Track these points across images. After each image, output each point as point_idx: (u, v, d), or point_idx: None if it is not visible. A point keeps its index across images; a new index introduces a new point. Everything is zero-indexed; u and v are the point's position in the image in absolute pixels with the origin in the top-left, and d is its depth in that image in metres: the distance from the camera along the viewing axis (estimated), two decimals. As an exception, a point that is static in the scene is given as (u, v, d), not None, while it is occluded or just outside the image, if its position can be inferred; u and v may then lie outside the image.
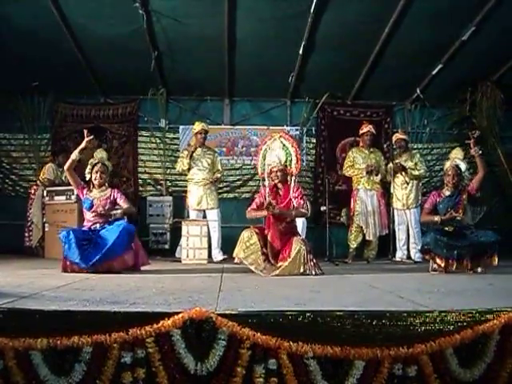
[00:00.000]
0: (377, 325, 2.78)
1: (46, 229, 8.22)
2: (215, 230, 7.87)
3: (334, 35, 7.78)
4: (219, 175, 8.08)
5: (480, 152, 6.07)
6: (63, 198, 8.14)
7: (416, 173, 7.86)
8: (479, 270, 5.71)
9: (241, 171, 9.77)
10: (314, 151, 9.96)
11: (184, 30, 7.61)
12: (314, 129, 9.94)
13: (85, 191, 5.87)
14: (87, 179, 5.98)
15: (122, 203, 5.94)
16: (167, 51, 8.26)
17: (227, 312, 2.78)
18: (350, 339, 2.74)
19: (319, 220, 9.01)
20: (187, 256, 7.40)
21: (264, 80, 8.88)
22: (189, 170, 7.91)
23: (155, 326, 2.67)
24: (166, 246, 8.99)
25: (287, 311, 2.81)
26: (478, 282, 4.89)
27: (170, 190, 9.63)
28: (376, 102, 9.89)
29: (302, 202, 5.83)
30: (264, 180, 6.01)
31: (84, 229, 5.80)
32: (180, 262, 7.41)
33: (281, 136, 6.02)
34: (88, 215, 5.85)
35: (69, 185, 8.32)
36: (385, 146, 8.85)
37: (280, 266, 5.50)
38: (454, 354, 2.80)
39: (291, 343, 2.68)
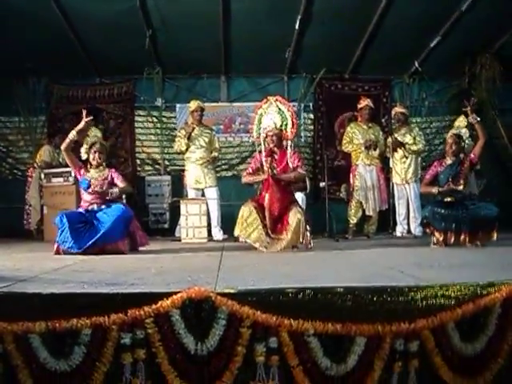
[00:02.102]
0: (378, 300, 2.76)
1: (45, 211, 8.17)
2: (214, 208, 7.83)
3: (330, 9, 7.67)
4: (217, 154, 8.04)
5: (478, 119, 6.01)
6: (61, 179, 8.09)
7: (414, 147, 7.80)
8: (478, 243, 5.69)
9: (239, 148, 9.71)
10: (312, 127, 9.88)
11: (178, 7, 7.50)
12: (311, 104, 9.85)
13: (82, 171, 5.81)
14: (83, 159, 5.92)
15: (119, 183, 5.90)
16: (161, 29, 8.14)
17: (227, 291, 2.76)
18: (351, 315, 2.72)
19: (318, 196, 8.98)
20: (187, 235, 7.37)
21: (260, 56, 8.77)
22: (187, 149, 7.85)
23: (154, 306, 2.64)
24: (166, 226, 8.97)
25: (287, 289, 2.79)
26: (479, 255, 4.88)
27: (168, 169, 9.58)
28: (374, 76, 9.76)
29: (300, 164, 5.87)
30: (260, 145, 5.98)
31: (80, 210, 5.76)
32: (180, 241, 7.38)
33: (276, 100, 5.98)
34: (85, 195, 5.81)
35: (66, 166, 8.31)
36: (383, 120, 8.78)
37: (281, 239, 5.50)
38: (455, 328, 2.79)
39: (292, 321, 2.67)
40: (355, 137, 7.94)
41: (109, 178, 5.87)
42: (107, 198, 5.78)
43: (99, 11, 7.46)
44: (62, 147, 5.76)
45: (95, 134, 6.06)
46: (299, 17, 7.74)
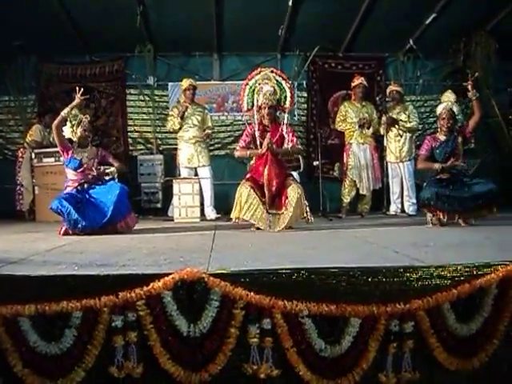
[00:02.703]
0: (372, 281, 2.74)
1: (37, 191, 8.09)
2: (207, 187, 7.78)
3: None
4: (210, 131, 7.96)
5: (477, 95, 5.96)
6: (52, 159, 7.99)
7: (408, 125, 7.76)
8: (473, 221, 5.68)
9: (232, 127, 9.61)
10: (305, 105, 9.78)
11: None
12: (305, 82, 9.74)
13: (70, 152, 5.70)
14: (67, 137, 5.76)
15: (113, 161, 5.87)
16: (153, 5, 8.00)
17: (219, 272, 2.73)
18: (346, 296, 2.71)
19: (312, 175, 8.94)
20: (179, 215, 7.34)
21: (253, 33, 8.64)
22: (180, 128, 7.77)
23: (146, 288, 2.62)
24: (159, 205, 8.91)
25: (281, 269, 2.76)
26: (475, 235, 4.86)
27: (160, 148, 9.49)
28: (368, 54, 9.65)
29: (295, 139, 5.84)
30: (251, 117, 5.93)
31: (70, 191, 5.65)
32: (172, 220, 7.35)
33: (272, 71, 5.90)
34: (73, 175, 5.70)
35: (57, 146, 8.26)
36: (377, 98, 8.72)
37: (282, 215, 5.48)
38: (451, 309, 2.78)
39: (285, 302, 2.66)
40: (349, 115, 7.87)
41: (98, 157, 5.80)
42: (105, 178, 5.73)
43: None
44: (54, 124, 5.64)
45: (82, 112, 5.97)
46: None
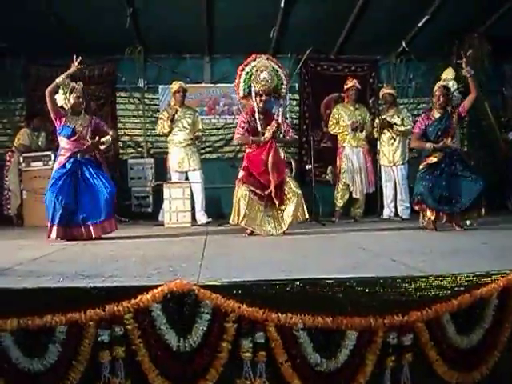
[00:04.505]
0: (369, 292, 2.67)
1: (24, 196, 8.00)
2: (198, 191, 7.66)
3: (316, -14, 7.49)
4: (200, 134, 7.86)
5: (472, 72, 5.89)
6: (40, 163, 7.91)
7: (402, 128, 7.70)
8: (468, 223, 5.62)
9: (223, 130, 9.52)
10: (297, 108, 9.72)
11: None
12: (297, 85, 9.65)
13: (63, 119, 5.56)
14: (60, 105, 5.64)
15: (107, 129, 5.80)
16: (143, 8, 7.89)
17: (210, 283, 2.64)
18: (342, 308, 2.63)
19: (304, 179, 8.84)
20: (170, 220, 7.24)
21: (245, 36, 8.54)
22: (170, 131, 7.67)
23: (133, 301, 2.52)
24: (149, 210, 8.81)
25: (274, 280, 2.67)
26: (470, 240, 4.80)
27: (151, 152, 9.38)
28: (361, 56, 9.59)
29: (290, 129, 5.93)
30: (246, 104, 5.92)
31: (61, 161, 5.54)
32: (163, 226, 7.24)
33: (268, 58, 5.89)
34: (66, 144, 5.58)
35: (46, 150, 8.13)
36: (370, 101, 8.65)
37: (282, 212, 5.52)
38: (450, 320, 2.70)
39: (279, 314, 2.57)
40: (342, 118, 7.81)
41: (92, 125, 5.68)
42: (101, 147, 5.66)
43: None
44: (47, 90, 5.50)
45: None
46: (285, -5, 7.55)
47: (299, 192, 5.57)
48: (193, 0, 7.68)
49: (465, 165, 5.81)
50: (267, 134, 5.60)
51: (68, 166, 5.48)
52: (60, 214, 5.24)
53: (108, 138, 5.69)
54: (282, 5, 7.74)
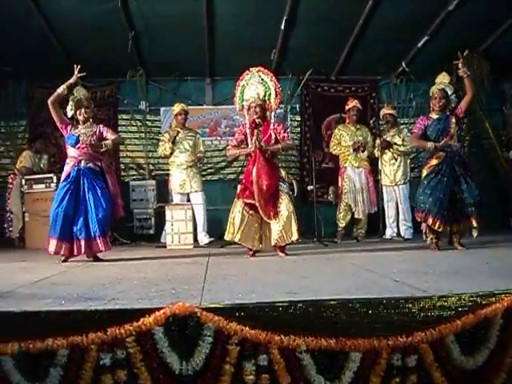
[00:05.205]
0: (373, 313, 2.63)
1: (26, 219, 8.00)
2: (200, 213, 7.66)
3: (316, 9, 7.54)
4: (201, 155, 7.90)
5: (468, 73, 5.91)
6: (42, 186, 7.92)
7: (402, 148, 7.73)
8: (474, 234, 5.60)
9: (225, 152, 9.53)
10: (298, 129, 9.76)
11: (161, 8, 7.32)
12: (298, 106, 9.72)
13: (69, 128, 5.63)
14: (69, 116, 5.73)
15: (110, 135, 5.78)
16: (144, 31, 7.96)
17: (213, 306, 2.61)
18: (345, 330, 2.59)
19: (306, 199, 8.85)
20: (172, 241, 7.23)
21: (246, 58, 8.51)
22: (171, 153, 7.68)
23: (135, 324, 2.49)
24: (151, 232, 8.80)
25: (277, 302, 2.64)
26: (473, 260, 4.78)
27: (153, 174, 9.40)
28: (361, 76, 9.67)
29: (286, 135, 5.83)
30: (244, 117, 5.89)
31: (67, 169, 5.59)
32: (165, 247, 7.23)
33: (259, 70, 5.90)
34: (72, 152, 5.62)
35: (48, 172, 8.14)
36: (371, 121, 8.68)
37: (272, 226, 5.48)
38: (455, 340, 2.65)
39: (282, 337, 2.53)
40: (343, 139, 7.85)
41: (97, 132, 5.70)
42: (101, 150, 5.67)
43: (80, 12, 7.27)
44: (50, 100, 5.59)
45: (83, 92, 5.90)
46: (285, 17, 7.61)
47: (290, 210, 5.46)
48: (194, 22, 7.73)
49: (465, 169, 5.80)
50: (250, 145, 5.61)
51: (72, 174, 5.53)
52: (58, 226, 5.29)
53: (108, 142, 5.68)
54: (283, 27, 7.80)
